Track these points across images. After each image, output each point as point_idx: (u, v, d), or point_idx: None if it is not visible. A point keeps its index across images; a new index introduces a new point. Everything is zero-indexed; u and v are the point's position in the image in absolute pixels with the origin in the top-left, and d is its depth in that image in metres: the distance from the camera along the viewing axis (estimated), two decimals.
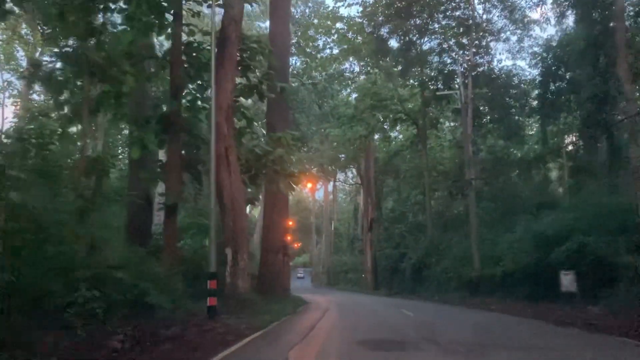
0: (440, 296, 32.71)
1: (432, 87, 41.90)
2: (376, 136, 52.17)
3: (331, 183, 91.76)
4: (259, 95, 22.72)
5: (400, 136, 50.35)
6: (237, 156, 18.22)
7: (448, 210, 45.10)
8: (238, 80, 21.29)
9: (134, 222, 19.97)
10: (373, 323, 15.90)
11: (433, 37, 40.26)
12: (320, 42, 53.87)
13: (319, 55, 58.49)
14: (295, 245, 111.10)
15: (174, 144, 18.01)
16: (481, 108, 39.83)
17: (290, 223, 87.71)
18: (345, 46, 45.12)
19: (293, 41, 66.13)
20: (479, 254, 28.19)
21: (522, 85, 41.61)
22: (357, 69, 51.89)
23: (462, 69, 37.08)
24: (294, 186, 22.36)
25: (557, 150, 39.59)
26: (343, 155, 60.81)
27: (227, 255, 17.22)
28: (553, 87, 38.64)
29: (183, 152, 19.07)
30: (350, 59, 49.01)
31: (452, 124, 47.07)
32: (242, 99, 24.62)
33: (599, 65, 28.48)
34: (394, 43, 41.74)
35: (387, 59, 42.72)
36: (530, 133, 45.59)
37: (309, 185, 59.51)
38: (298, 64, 66.99)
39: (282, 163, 19.97)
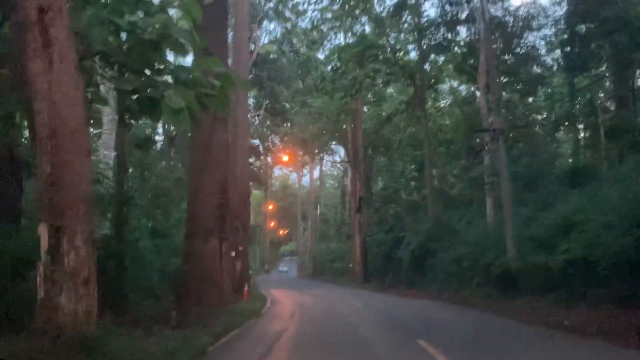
0: (453, 293, 23.25)
1: (431, 35, 32.36)
2: (365, 108, 42.57)
3: (317, 167, 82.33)
4: None
5: (393, 94, 40.49)
6: (75, 34, 8.14)
7: (455, 184, 35.58)
8: None
9: None
10: None
11: None
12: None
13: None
14: (281, 232, 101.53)
15: None
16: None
17: (270, 207, 78.37)
18: None
19: (270, 4, 56.29)
20: (514, 235, 18.65)
21: (544, 28, 31.91)
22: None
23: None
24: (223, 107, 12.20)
25: (589, 107, 30.34)
26: (327, 132, 51.37)
27: (41, 240, 7.42)
28: (583, 29, 29.07)
29: None
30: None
31: (454, 83, 37.32)
32: None
33: None
34: None
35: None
36: (549, 90, 35.97)
37: (285, 157, 49.33)
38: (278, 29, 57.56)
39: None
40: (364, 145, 40.36)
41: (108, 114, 28.28)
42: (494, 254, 19.81)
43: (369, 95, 39.71)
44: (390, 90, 39.79)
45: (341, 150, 73.46)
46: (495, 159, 20.16)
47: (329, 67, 34.51)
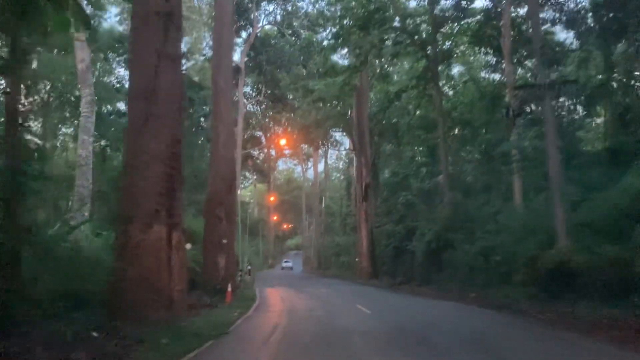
0: (480, 292, 18.70)
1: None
2: (371, 96, 37.74)
3: (322, 160, 77.62)
4: None
5: (402, 76, 35.69)
6: None
7: (470, 171, 30.89)
8: None
9: None
10: None
11: None
12: None
13: None
14: (285, 226, 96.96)
15: None
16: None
17: (272, 199, 73.83)
18: None
19: None
20: (565, 221, 14.03)
21: None
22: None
23: None
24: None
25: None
26: (330, 119, 46.70)
27: None
28: None
29: None
30: None
31: (472, 55, 32.50)
32: None
33: None
34: None
35: None
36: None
37: (283, 141, 44.80)
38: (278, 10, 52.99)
39: None
40: (370, 130, 35.61)
41: (87, 95, 24.19)
42: (538, 244, 15.20)
43: (375, 73, 35.00)
44: (398, 68, 34.96)
45: (346, 142, 69.02)
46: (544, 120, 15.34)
47: (330, 33, 29.60)
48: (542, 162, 17.92)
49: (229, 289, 17.79)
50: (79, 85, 24.83)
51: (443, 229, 24.23)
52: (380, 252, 33.59)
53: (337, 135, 66.52)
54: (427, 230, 24.96)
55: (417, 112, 33.11)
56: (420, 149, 35.98)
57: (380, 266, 33.56)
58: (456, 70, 33.94)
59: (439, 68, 30.26)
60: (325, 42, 31.02)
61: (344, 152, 74.36)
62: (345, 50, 35.79)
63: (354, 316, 13.48)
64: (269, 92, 51.95)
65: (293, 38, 53.77)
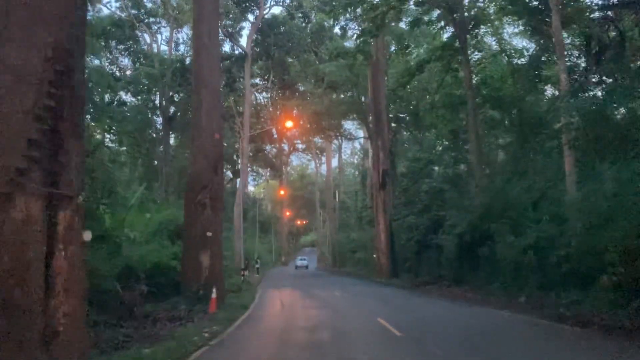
0: (535, 296, 14.14)
1: None
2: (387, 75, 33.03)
3: (335, 155, 73.13)
4: None
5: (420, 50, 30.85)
6: None
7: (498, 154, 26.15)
8: None
9: None
10: None
11: None
12: None
13: None
14: (299, 222, 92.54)
15: None
16: None
17: (282, 192, 69.37)
18: None
19: None
20: None
21: None
22: None
23: None
24: None
25: None
26: (343, 104, 42.20)
27: None
28: None
29: None
30: None
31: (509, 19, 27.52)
32: None
33: None
34: None
35: None
36: None
37: (289, 123, 40.33)
38: None
39: None
40: (387, 109, 30.91)
41: None
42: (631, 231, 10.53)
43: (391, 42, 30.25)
44: (418, 37, 30.11)
45: (360, 134, 64.40)
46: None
47: None
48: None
49: (214, 294, 13.46)
50: None
51: (479, 218, 19.60)
52: (400, 247, 28.98)
53: (351, 126, 62.47)
54: (459, 221, 20.28)
55: (442, 88, 28.27)
56: (444, 131, 31.20)
57: (401, 263, 28.95)
58: (487, 40, 29.02)
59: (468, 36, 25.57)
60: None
61: (358, 146, 70.02)
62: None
63: (377, 343, 8.91)
64: (278, 78, 47.60)
65: (303, 24, 49.37)
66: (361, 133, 63.67)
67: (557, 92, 28.88)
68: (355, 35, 23.80)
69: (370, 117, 32.97)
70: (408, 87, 30.18)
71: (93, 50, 33.41)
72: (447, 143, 32.12)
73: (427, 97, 31.80)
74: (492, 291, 17.80)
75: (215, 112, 15.28)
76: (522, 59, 28.26)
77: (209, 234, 14.48)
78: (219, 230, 14.99)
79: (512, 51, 28.34)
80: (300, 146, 77.23)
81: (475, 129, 24.13)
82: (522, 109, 25.46)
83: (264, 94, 56.71)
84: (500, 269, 17.99)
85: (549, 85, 27.78)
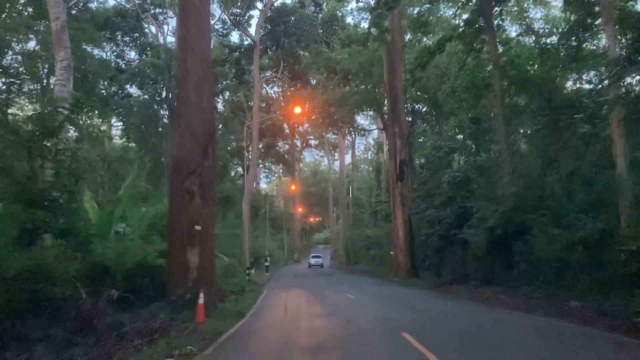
0: (589, 300, 11.47)
1: None
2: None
3: (349, 151, 70.39)
4: None
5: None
6: None
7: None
8: None
9: None
10: None
11: None
12: None
13: None
14: (312, 219, 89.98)
15: None
16: None
17: (293, 187, 66.77)
18: None
19: None
20: None
21: None
22: None
23: None
24: None
25: None
26: (357, 94, 39.44)
27: None
28: None
29: None
30: None
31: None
32: None
33: None
34: None
35: None
36: None
37: (297, 109, 37.70)
38: None
39: None
40: (404, 92, 28.11)
41: (62, 59, 18.24)
42: None
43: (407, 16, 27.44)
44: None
45: (373, 129, 61.62)
46: None
47: None
48: None
49: (201, 299, 10.99)
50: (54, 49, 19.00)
51: (513, 209, 16.87)
52: (420, 243, 26.27)
53: (364, 121, 59.78)
54: (490, 212, 17.53)
55: (463, 71, 25.45)
56: (464, 119, 28.40)
57: (421, 261, 26.26)
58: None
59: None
60: None
61: (371, 141, 67.26)
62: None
63: None
64: (288, 68, 45.11)
65: (314, 13, 46.77)
66: (375, 128, 61.11)
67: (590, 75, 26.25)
68: (370, 8, 21.05)
69: (386, 104, 30.23)
70: (425, 73, 27.43)
71: (92, 40, 31.29)
72: (468, 130, 29.30)
73: (447, 81, 29.02)
74: (530, 293, 15.09)
75: (205, 85, 12.79)
76: (553, 37, 25.52)
77: (197, 227, 11.99)
78: (210, 224, 12.49)
79: (543, 29, 25.56)
80: (312, 142, 74.84)
81: (502, 111, 21.37)
82: (554, 91, 22.62)
83: (275, 88, 54.36)
84: (540, 268, 15.28)
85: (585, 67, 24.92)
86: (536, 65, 25.59)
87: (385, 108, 39.63)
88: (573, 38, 21.47)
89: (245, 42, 44.06)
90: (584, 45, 22.51)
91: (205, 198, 12.27)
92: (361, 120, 59.60)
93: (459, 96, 26.40)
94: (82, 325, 8.74)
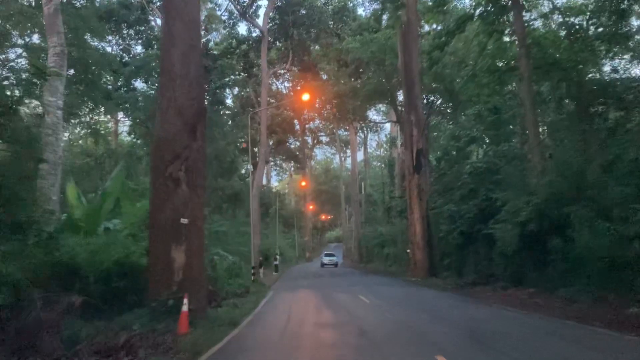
0: None
1: None
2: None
3: (361, 148, 68.18)
4: None
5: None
6: None
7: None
8: None
9: None
10: None
11: None
12: None
13: None
14: (323, 217, 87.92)
15: None
16: None
17: (304, 184, 64.73)
18: None
19: None
20: None
21: None
22: None
23: None
24: None
25: None
26: (370, 85, 37.28)
27: None
28: None
29: None
30: None
31: None
32: None
33: None
34: None
35: None
36: None
37: (306, 96, 35.57)
38: None
39: None
40: (421, 77, 25.88)
41: (55, 45, 16.80)
42: None
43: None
44: None
45: (386, 125, 59.47)
46: None
47: None
48: None
49: (185, 306, 9.04)
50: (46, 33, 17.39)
51: (548, 201, 14.67)
52: (439, 240, 24.12)
53: (376, 116, 57.64)
54: (521, 204, 15.35)
55: (484, 57, 23.22)
56: (484, 108, 26.12)
57: (440, 259, 24.11)
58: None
59: None
60: None
61: (383, 138, 65.10)
62: None
63: None
64: (298, 59, 43.10)
65: (324, 3, 44.74)
66: (387, 125, 58.94)
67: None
68: None
69: (400, 94, 28.12)
70: (442, 60, 25.26)
71: (92, 30, 29.54)
72: (490, 118, 27.02)
73: (465, 68, 26.79)
74: (571, 296, 12.93)
75: (194, 55, 10.84)
76: (581, 17, 23.19)
77: (184, 220, 10.05)
78: (199, 216, 10.53)
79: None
80: (324, 139, 72.88)
81: (530, 95, 19.17)
82: (582, 75, 20.39)
83: (285, 83, 52.46)
84: (583, 267, 13.11)
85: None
86: (563, 47, 23.34)
87: (398, 100, 37.56)
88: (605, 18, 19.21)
89: (254, 34, 42.23)
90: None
91: (194, 186, 10.32)
92: (373, 115, 57.59)
93: (480, 81, 24.16)
94: (24, 342, 6.85)
